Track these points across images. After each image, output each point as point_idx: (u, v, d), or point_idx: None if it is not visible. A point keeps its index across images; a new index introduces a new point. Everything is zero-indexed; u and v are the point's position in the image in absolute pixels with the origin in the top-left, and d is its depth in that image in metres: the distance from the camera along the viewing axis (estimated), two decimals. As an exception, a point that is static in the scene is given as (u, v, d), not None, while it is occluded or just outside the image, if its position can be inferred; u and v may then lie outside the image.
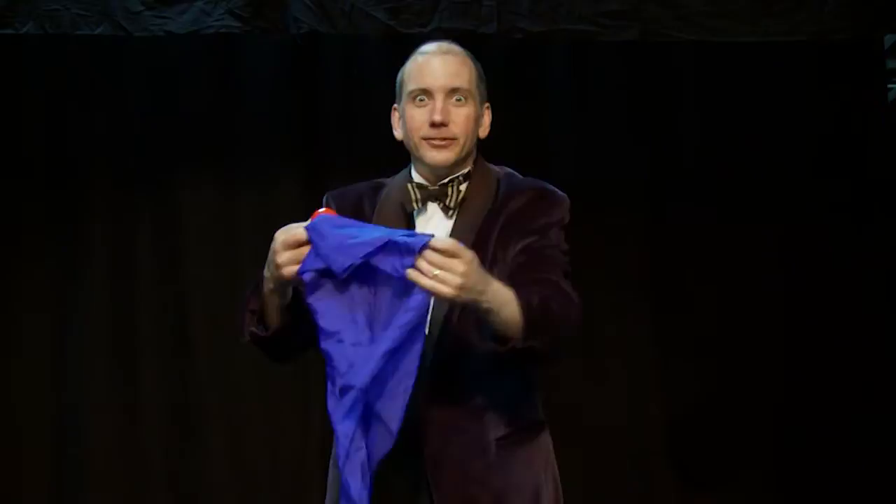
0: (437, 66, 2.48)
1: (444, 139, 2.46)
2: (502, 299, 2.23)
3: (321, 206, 2.56)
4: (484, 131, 2.56)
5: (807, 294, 4.66)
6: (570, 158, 4.62)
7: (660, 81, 4.73)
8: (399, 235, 2.18)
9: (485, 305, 2.21)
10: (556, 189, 2.54)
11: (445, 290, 2.14)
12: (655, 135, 4.73)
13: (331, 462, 2.49)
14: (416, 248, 2.14)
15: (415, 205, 2.48)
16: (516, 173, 2.60)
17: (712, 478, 4.64)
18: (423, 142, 2.47)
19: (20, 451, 4.49)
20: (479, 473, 2.41)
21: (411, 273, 2.14)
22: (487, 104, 2.57)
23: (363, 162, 4.50)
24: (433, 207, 2.50)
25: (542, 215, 2.45)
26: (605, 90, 4.72)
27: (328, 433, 4.65)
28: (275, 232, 2.29)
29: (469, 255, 2.18)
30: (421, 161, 2.51)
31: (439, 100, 2.45)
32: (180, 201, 4.61)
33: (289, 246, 2.25)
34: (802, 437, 4.61)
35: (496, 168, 2.59)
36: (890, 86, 4.83)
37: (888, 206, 4.69)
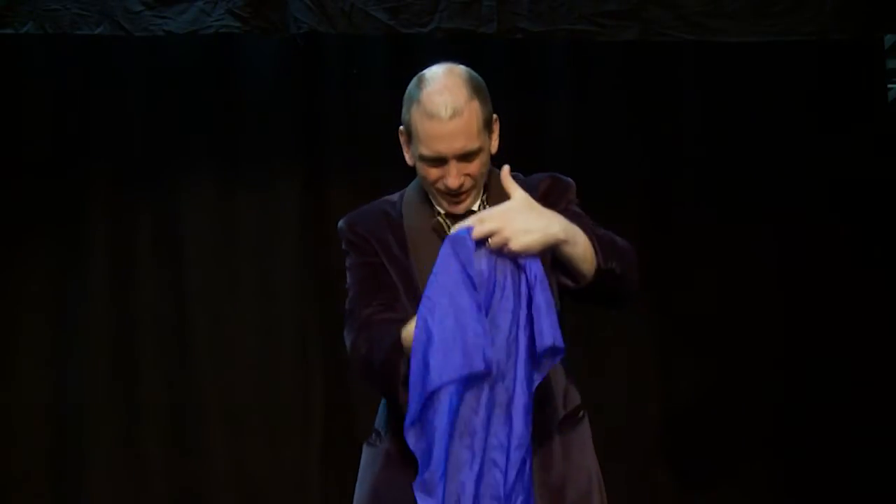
0: (447, 133, 2.43)
1: (461, 194, 2.50)
2: (574, 229, 2.33)
3: (339, 230, 2.61)
4: (494, 147, 2.57)
5: (806, 293, 4.66)
6: (569, 158, 4.61)
7: (660, 81, 4.73)
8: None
9: (561, 236, 2.30)
10: (564, 176, 2.64)
11: (501, 239, 2.24)
12: (655, 135, 4.73)
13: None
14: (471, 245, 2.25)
15: (445, 227, 2.51)
16: (519, 173, 2.62)
17: (712, 477, 4.64)
18: (440, 193, 2.51)
19: (20, 450, 4.49)
20: (547, 458, 2.49)
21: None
22: (496, 116, 2.56)
23: (363, 162, 4.51)
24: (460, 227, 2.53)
25: (561, 198, 2.54)
26: (605, 90, 4.72)
27: (328, 433, 4.68)
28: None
29: (503, 207, 2.30)
30: (438, 205, 2.55)
31: (453, 166, 2.46)
32: (180, 201, 4.61)
33: None
34: (802, 435, 4.62)
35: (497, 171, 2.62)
36: (890, 86, 4.83)
37: (888, 206, 4.69)
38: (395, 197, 2.64)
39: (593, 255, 2.34)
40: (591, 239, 2.35)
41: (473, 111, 2.45)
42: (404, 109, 2.52)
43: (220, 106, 4.62)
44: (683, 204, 4.71)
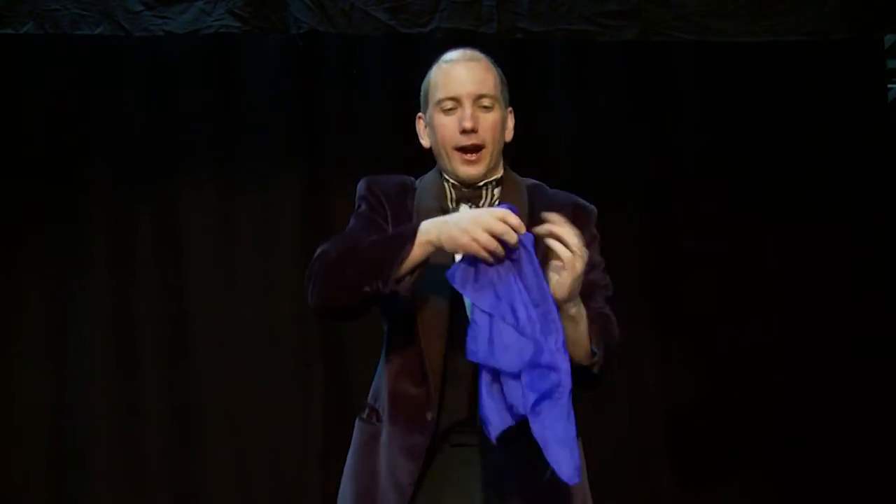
0: (463, 73, 2.52)
1: (475, 146, 2.49)
2: (583, 310, 2.35)
3: (358, 188, 2.60)
4: (509, 134, 2.60)
5: (806, 293, 4.66)
6: (569, 158, 4.62)
7: (660, 81, 4.73)
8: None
9: (577, 308, 2.32)
10: (587, 202, 2.63)
11: (569, 257, 2.27)
12: (655, 134, 4.73)
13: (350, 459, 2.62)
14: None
15: (450, 203, 2.52)
16: (544, 185, 2.62)
17: (712, 477, 4.64)
18: (455, 153, 2.51)
19: (20, 450, 4.49)
20: (540, 481, 2.42)
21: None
22: (510, 108, 2.61)
23: (363, 162, 4.50)
24: (465, 209, 2.52)
25: (585, 228, 2.50)
26: (605, 90, 4.72)
27: (328, 434, 4.67)
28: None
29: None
30: (452, 173, 2.54)
31: (468, 106, 2.50)
32: (180, 201, 4.61)
33: (497, 233, 2.26)
34: (802, 436, 4.62)
35: (521, 178, 2.62)
36: (890, 86, 4.83)
37: (888, 205, 4.69)
38: (412, 178, 2.65)
39: (588, 344, 2.37)
40: (591, 332, 2.37)
41: (491, 70, 2.55)
42: (423, 85, 2.58)
43: (220, 106, 4.62)
44: (683, 203, 4.71)
